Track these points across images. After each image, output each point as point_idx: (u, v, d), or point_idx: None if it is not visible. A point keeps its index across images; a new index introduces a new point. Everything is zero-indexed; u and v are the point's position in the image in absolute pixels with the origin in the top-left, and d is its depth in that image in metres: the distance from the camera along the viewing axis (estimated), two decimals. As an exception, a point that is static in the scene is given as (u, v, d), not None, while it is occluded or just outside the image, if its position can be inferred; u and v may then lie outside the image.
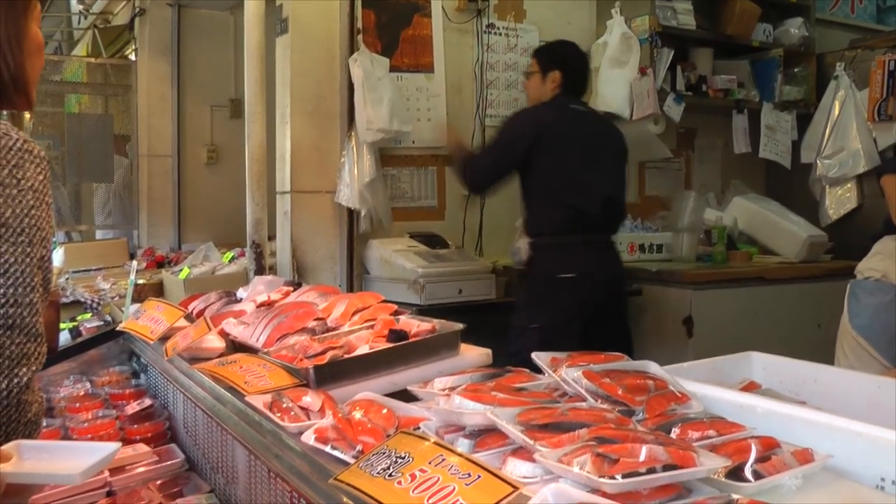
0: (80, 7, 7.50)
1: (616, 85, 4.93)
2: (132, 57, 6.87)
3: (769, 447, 1.29)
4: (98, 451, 1.29)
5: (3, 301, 1.35)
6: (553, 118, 3.84)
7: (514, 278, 4.22)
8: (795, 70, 5.69)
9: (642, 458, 1.15)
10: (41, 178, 1.42)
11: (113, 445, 1.32)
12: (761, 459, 1.25)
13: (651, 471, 1.13)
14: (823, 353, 3.41)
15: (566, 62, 3.98)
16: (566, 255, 3.75)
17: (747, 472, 1.22)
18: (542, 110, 3.91)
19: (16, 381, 1.35)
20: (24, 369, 1.37)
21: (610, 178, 3.91)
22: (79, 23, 8.22)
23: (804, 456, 1.29)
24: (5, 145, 1.38)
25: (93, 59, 7.13)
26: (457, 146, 4.12)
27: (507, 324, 3.74)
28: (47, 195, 1.44)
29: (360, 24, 4.22)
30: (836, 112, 5.14)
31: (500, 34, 4.94)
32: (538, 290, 3.77)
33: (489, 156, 3.92)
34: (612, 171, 3.94)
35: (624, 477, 1.11)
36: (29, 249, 1.38)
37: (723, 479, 1.21)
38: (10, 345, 1.35)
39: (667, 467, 1.15)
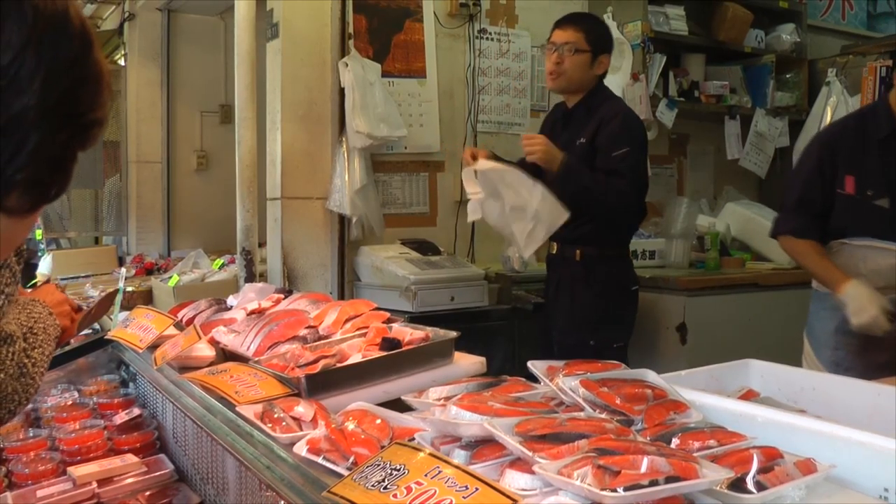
0: (70, 12, 7.45)
1: (608, 90, 4.93)
2: (121, 62, 6.85)
3: (771, 457, 1.27)
4: None
5: None
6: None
7: (506, 285, 4.20)
8: (787, 76, 5.71)
9: (644, 469, 1.12)
10: None
11: None
12: (764, 470, 1.22)
13: (653, 483, 1.10)
14: (817, 359, 3.40)
15: (612, 47, 3.69)
16: (631, 265, 3.67)
17: (750, 484, 1.19)
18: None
19: None
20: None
21: None
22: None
23: (807, 466, 1.26)
24: None
25: (82, 65, 7.08)
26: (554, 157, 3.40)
27: (499, 331, 3.73)
28: None
29: (351, 29, 4.20)
30: (829, 118, 5.13)
31: (493, 39, 4.93)
32: (613, 304, 3.54)
33: (638, 177, 3.50)
34: None
35: (626, 490, 1.08)
36: None
37: (725, 491, 1.18)
38: None
39: (669, 479, 1.12)
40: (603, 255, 3.54)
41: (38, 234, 6.71)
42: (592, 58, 3.51)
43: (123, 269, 4.16)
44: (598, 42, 3.54)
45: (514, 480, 1.23)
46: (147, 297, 4.06)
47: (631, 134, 3.49)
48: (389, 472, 1.21)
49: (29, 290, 1.89)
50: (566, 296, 3.59)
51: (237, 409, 1.83)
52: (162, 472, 2.45)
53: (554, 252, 3.66)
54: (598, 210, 3.44)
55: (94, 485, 2.31)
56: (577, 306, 3.54)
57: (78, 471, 2.35)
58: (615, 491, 1.08)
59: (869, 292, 2.87)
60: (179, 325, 2.68)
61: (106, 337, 3.01)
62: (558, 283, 3.64)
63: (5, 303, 1.36)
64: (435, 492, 1.12)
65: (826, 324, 3.12)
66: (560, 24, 3.59)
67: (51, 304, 1.81)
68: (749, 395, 1.82)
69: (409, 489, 1.15)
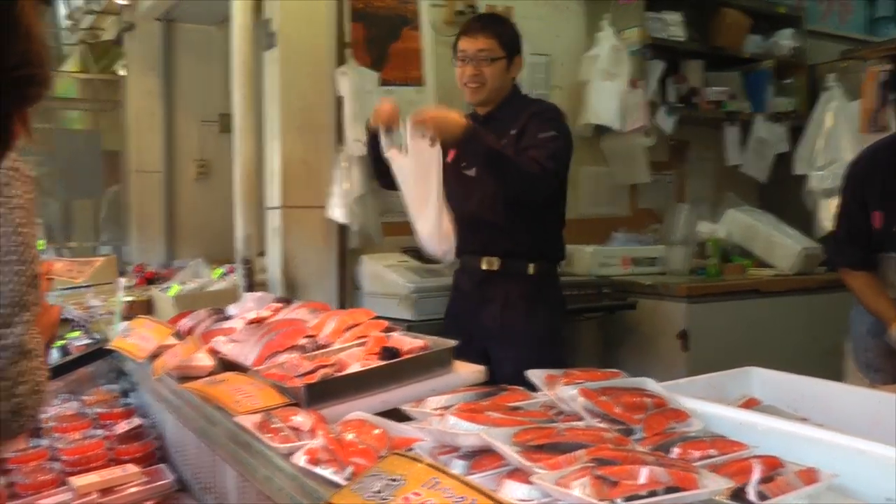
0: (69, 22, 7.47)
1: (607, 97, 4.92)
2: (121, 72, 6.85)
3: (773, 467, 1.26)
4: None
5: None
6: None
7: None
8: (787, 81, 5.71)
9: (643, 480, 1.12)
10: (29, 196, 1.39)
11: None
12: (765, 480, 1.21)
13: (652, 493, 1.10)
14: (818, 365, 3.35)
15: (521, 46, 3.44)
16: (560, 284, 3.51)
17: (751, 494, 1.19)
18: None
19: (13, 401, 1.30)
20: (21, 388, 1.31)
21: None
22: (67, 38, 8.19)
23: (809, 476, 1.25)
24: None
25: (81, 75, 7.10)
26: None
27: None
28: (34, 214, 1.40)
29: (348, 38, 4.19)
30: (829, 123, 5.12)
31: (491, 47, 4.91)
32: (558, 325, 3.40)
33: (560, 162, 3.21)
34: None
35: (625, 500, 1.08)
36: (19, 268, 1.34)
37: (726, 501, 1.17)
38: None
39: (669, 489, 1.11)
40: (553, 271, 3.41)
41: (41, 244, 6.73)
42: (508, 62, 3.34)
43: (123, 279, 4.15)
44: (511, 45, 3.35)
45: (513, 491, 1.22)
46: (147, 307, 4.04)
47: (560, 124, 3.28)
48: (387, 482, 1.21)
49: None
50: (518, 315, 3.28)
51: (236, 418, 1.82)
52: (163, 482, 2.45)
53: (495, 268, 3.32)
54: (511, 178, 3.11)
55: (95, 495, 2.31)
56: (535, 326, 3.28)
57: (79, 481, 2.34)
58: (614, 501, 1.08)
59: None
60: (179, 335, 2.68)
61: (106, 347, 3.01)
62: (505, 301, 3.30)
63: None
64: (433, 502, 1.12)
65: (860, 326, 3.26)
66: (468, 31, 3.38)
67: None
68: (750, 404, 1.81)
69: (407, 500, 1.14)
